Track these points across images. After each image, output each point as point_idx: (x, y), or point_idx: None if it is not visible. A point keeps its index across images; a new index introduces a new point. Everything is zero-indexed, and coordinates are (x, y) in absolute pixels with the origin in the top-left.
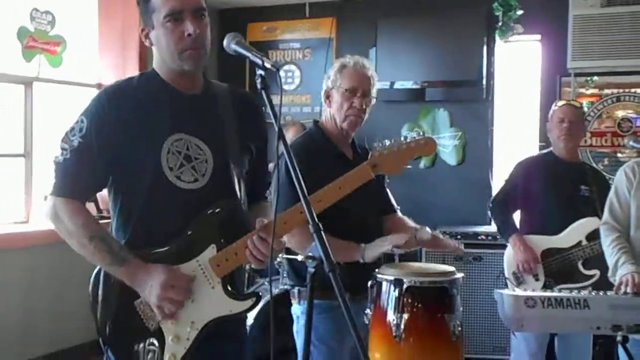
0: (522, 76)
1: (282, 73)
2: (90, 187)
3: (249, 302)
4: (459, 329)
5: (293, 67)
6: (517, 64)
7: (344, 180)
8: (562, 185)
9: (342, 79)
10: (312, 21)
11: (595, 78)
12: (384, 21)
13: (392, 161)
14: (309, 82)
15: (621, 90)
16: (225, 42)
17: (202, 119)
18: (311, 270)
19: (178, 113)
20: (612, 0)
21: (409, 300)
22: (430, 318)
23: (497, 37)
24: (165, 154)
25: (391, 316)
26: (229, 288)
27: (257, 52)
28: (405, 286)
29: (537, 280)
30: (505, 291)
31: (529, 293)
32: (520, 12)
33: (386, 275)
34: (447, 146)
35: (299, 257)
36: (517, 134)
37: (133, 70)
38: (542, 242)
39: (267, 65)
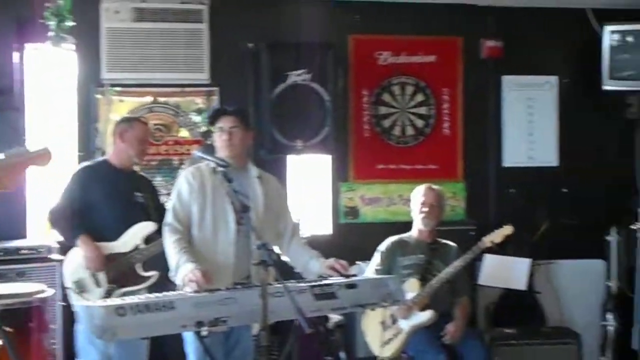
0: (56, 85)
1: None
2: None
3: None
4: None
5: None
6: (51, 72)
7: None
8: (118, 193)
9: None
10: None
11: (117, 88)
12: None
13: (8, 174)
14: None
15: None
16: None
17: None
18: None
19: None
20: (142, 16)
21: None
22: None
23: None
24: None
25: None
26: None
27: None
28: None
29: (99, 287)
30: (91, 303)
31: (119, 302)
32: (72, 24)
33: None
34: None
35: None
36: (55, 143)
37: None
38: (102, 248)
39: None
